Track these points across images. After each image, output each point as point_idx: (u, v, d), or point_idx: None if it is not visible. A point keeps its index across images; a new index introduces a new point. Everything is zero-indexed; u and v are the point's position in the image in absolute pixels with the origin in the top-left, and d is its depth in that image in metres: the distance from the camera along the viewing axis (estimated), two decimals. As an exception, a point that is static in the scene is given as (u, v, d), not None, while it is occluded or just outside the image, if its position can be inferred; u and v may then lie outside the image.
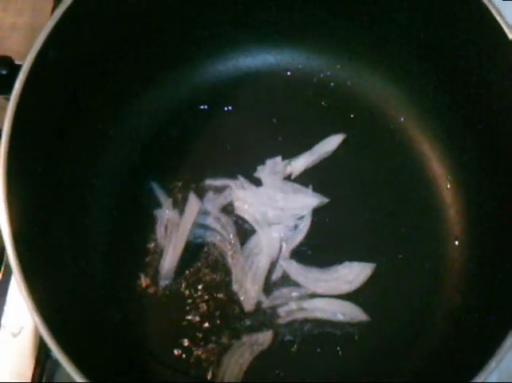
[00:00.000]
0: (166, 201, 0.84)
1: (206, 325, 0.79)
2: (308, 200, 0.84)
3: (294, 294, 0.80)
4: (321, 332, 0.79)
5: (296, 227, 0.83)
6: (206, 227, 0.83)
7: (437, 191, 0.85)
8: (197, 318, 0.79)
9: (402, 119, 0.88)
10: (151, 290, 0.81)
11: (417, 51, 0.83)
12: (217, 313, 0.79)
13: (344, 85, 0.90)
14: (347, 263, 0.81)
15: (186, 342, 0.78)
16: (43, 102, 0.71)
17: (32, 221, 0.68)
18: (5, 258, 0.81)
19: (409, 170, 0.86)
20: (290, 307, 0.79)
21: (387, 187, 0.85)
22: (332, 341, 0.78)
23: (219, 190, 0.85)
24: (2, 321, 0.80)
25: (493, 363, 0.61)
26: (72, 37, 0.73)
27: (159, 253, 0.82)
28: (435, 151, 0.86)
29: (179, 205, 0.84)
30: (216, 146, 0.88)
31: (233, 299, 0.80)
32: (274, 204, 0.84)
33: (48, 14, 0.93)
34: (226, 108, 0.90)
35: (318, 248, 0.83)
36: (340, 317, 0.79)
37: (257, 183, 0.86)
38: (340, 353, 0.78)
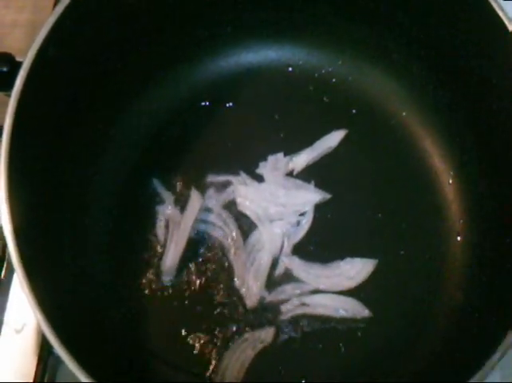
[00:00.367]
0: (168, 198, 0.84)
1: (208, 322, 0.79)
2: (310, 196, 0.84)
3: (296, 290, 0.80)
4: (323, 328, 0.79)
5: (298, 223, 0.83)
6: (208, 224, 0.83)
7: (439, 186, 0.85)
8: (198, 315, 0.79)
9: (403, 114, 0.88)
10: (152, 288, 0.81)
11: (418, 47, 0.83)
12: (219, 310, 0.79)
13: (346, 81, 0.90)
14: (349, 259, 0.81)
15: (187, 339, 0.78)
16: (44, 99, 0.71)
17: (33, 219, 0.68)
18: (7, 255, 0.81)
19: (411, 165, 0.86)
20: (293, 303, 0.79)
21: (389, 183, 0.85)
22: (334, 338, 0.78)
23: (221, 186, 0.85)
24: (5, 318, 0.80)
25: (494, 361, 0.61)
26: (72, 34, 0.73)
27: (161, 250, 0.82)
28: (436, 146, 0.86)
29: (181, 202, 0.84)
30: (218, 142, 0.88)
31: (235, 296, 0.80)
32: (276, 200, 0.84)
33: (49, 11, 0.93)
34: (227, 105, 0.90)
35: (320, 244, 0.83)
36: (342, 314, 0.79)
37: (259, 179, 0.86)
38: (342, 349, 0.78)
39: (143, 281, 0.81)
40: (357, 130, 0.88)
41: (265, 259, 0.81)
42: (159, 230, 0.83)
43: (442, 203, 0.84)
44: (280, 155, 0.86)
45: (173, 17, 0.84)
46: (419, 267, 0.81)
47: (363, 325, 0.78)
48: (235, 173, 0.85)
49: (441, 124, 0.85)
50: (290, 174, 0.86)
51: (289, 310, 0.79)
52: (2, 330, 0.80)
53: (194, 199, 0.83)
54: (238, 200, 0.84)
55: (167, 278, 0.81)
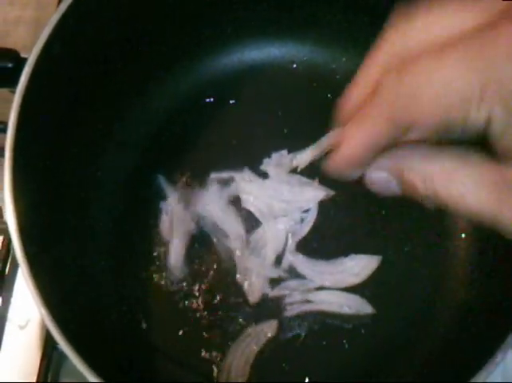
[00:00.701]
0: (172, 194, 0.84)
1: (212, 318, 0.79)
2: (314, 193, 0.84)
3: (300, 286, 0.80)
4: (327, 325, 0.78)
5: (302, 219, 0.83)
6: (211, 220, 0.83)
7: (443, 183, 0.85)
8: (202, 311, 0.79)
9: (408, 111, 0.88)
10: (155, 285, 0.81)
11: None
12: (222, 306, 0.79)
13: (350, 77, 0.89)
14: (353, 256, 0.81)
15: (191, 337, 0.78)
16: (47, 96, 0.71)
17: (36, 216, 0.68)
18: (11, 251, 0.81)
19: (415, 161, 0.86)
20: (296, 298, 0.79)
21: (393, 180, 0.85)
22: (338, 334, 0.78)
23: (225, 182, 0.85)
24: (9, 314, 0.81)
25: (496, 361, 0.60)
26: (75, 32, 0.73)
27: (164, 248, 0.82)
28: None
29: (184, 199, 0.84)
30: (221, 140, 0.88)
31: (238, 292, 0.80)
32: (280, 197, 0.84)
33: (53, 8, 0.93)
34: (230, 102, 0.90)
35: (324, 241, 0.82)
36: (346, 310, 0.79)
37: (263, 176, 0.86)
38: (346, 346, 0.78)
39: (146, 278, 0.81)
40: (361, 127, 0.87)
41: (268, 256, 0.81)
42: (163, 226, 0.83)
43: (446, 200, 0.84)
44: (284, 152, 0.86)
45: (174, 15, 0.84)
46: (424, 264, 0.81)
47: (367, 322, 0.78)
48: (239, 170, 0.85)
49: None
50: (294, 171, 0.86)
51: (292, 306, 0.79)
52: (6, 326, 0.80)
53: (197, 195, 0.83)
54: (242, 197, 0.84)
55: (174, 275, 0.81)
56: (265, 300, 0.80)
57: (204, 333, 0.78)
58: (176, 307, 0.80)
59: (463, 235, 0.82)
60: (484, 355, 0.61)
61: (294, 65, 0.91)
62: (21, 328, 0.80)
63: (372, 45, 0.90)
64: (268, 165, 0.86)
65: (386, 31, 0.45)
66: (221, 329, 0.78)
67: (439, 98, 0.38)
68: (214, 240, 0.82)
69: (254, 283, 0.80)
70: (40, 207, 0.70)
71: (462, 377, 0.61)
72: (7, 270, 0.82)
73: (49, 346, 0.78)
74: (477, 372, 0.60)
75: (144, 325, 0.79)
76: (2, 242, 0.82)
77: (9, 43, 0.80)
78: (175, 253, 0.81)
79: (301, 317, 0.79)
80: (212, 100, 0.90)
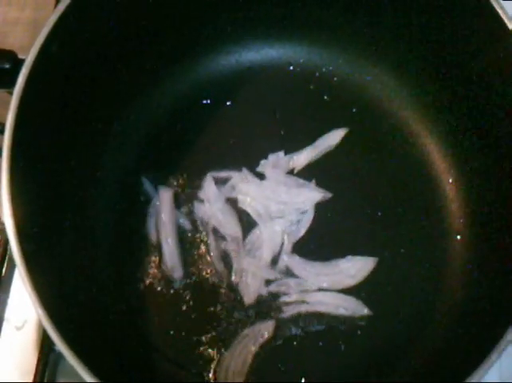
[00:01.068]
0: (155, 196, 0.85)
1: (209, 319, 0.79)
2: (311, 195, 0.84)
3: (296, 287, 0.80)
4: (324, 326, 0.79)
5: (298, 221, 0.83)
6: (208, 221, 0.83)
7: (439, 185, 0.85)
8: (199, 312, 0.79)
9: (404, 113, 0.88)
10: (152, 286, 0.81)
11: (418, 47, 0.83)
12: (219, 307, 0.79)
13: (347, 80, 0.90)
14: (349, 257, 0.81)
15: (188, 337, 0.78)
16: (45, 97, 0.72)
17: (34, 217, 0.68)
18: (8, 251, 0.81)
19: (411, 164, 0.86)
20: (292, 299, 0.79)
21: (390, 182, 0.85)
22: (334, 336, 0.78)
23: (222, 183, 0.85)
24: (6, 315, 0.81)
25: (491, 360, 0.61)
26: (73, 32, 0.73)
27: (158, 249, 0.83)
28: (437, 145, 0.86)
29: (182, 199, 0.85)
30: (219, 141, 0.88)
31: (234, 292, 0.80)
32: (277, 198, 0.84)
33: (51, 9, 0.93)
34: (228, 103, 0.90)
35: (321, 242, 0.83)
36: (342, 312, 0.79)
37: (261, 177, 0.86)
38: (342, 347, 0.78)
39: (144, 279, 0.81)
40: (358, 128, 0.88)
41: (264, 257, 0.81)
42: (152, 228, 0.84)
43: (442, 202, 0.84)
44: (281, 153, 0.87)
45: (174, 16, 0.84)
46: (419, 266, 0.81)
47: (363, 323, 0.79)
48: (236, 171, 0.86)
49: (441, 123, 0.85)
50: (291, 172, 0.86)
51: (289, 307, 0.79)
52: (3, 327, 0.80)
53: (164, 194, 0.84)
54: (239, 197, 0.84)
55: (171, 276, 0.81)
56: (261, 301, 0.80)
57: (201, 334, 0.78)
58: (174, 308, 0.80)
59: (458, 237, 0.82)
60: (480, 355, 0.61)
61: (291, 67, 0.92)
62: (18, 329, 0.80)
63: (369, 47, 0.91)
64: (265, 166, 0.86)
65: None
66: (218, 330, 0.78)
67: None
68: (211, 241, 0.82)
69: (249, 284, 0.80)
70: (37, 207, 0.70)
71: (457, 377, 0.62)
72: (4, 270, 0.82)
73: (45, 347, 0.78)
74: (472, 372, 0.60)
75: (142, 326, 0.79)
76: (-1, 243, 0.82)
77: (8, 44, 0.80)
78: (170, 254, 0.81)
79: (298, 318, 0.79)
80: (209, 101, 0.90)
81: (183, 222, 0.84)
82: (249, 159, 0.86)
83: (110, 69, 0.81)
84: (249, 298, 0.80)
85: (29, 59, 0.68)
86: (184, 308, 0.80)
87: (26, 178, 0.68)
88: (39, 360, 0.78)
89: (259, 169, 0.86)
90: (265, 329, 0.78)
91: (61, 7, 0.70)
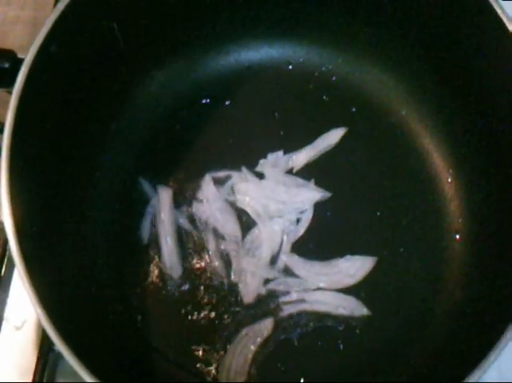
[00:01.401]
0: (154, 196, 0.85)
1: (208, 318, 0.79)
2: (310, 194, 0.84)
3: (296, 287, 0.80)
4: (323, 325, 0.79)
5: (298, 220, 0.83)
6: (207, 220, 0.83)
7: (438, 184, 0.85)
8: (199, 312, 0.79)
9: (403, 113, 0.88)
10: (153, 285, 0.81)
11: (418, 46, 0.83)
12: (219, 306, 0.79)
13: (346, 79, 0.90)
14: (348, 257, 0.81)
15: (187, 337, 0.78)
16: (45, 96, 0.72)
17: (33, 216, 0.68)
18: (7, 251, 0.81)
19: (410, 163, 0.86)
20: (291, 298, 0.80)
21: (389, 181, 0.85)
22: (333, 335, 0.78)
23: (221, 182, 0.85)
24: (5, 315, 0.81)
25: (490, 360, 0.61)
26: (74, 31, 0.73)
27: (159, 248, 0.83)
28: (436, 144, 0.86)
29: (181, 199, 0.85)
30: (218, 140, 0.88)
31: (234, 292, 0.80)
32: (276, 198, 0.84)
33: (50, 8, 0.93)
34: (227, 102, 0.90)
35: (320, 242, 0.83)
36: (341, 311, 0.79)
37: (260, 177, 0.86)
38: (341, 347, 0.78)
39: (143, 278, 0.81)
40: (357, 128, 0.88)
41: (263, 256, 0.82)
42: (150, 228, 0.84)
43: (441, 201, 0.84)
44: (280, 153, 0.87)
45: (173, 16, 0.84)
46: (418, 265, 0.81)
47: (362, 323, 0.79)
48: (235, 170, 0.86)
49: (441, 123, 0.85)
50: (290, 172, 0.86)
51: (288, 306, 0.79)
52: (2, 327, 0.80)
53: (163, 194, 0.84)
54: (238, 197, 0.84)
55: (170, 275, 0.81)
56: (260, 300, 0.80)
57: (201, 334, 0.78)
58: (173, 307, 0.80)
59: (458, 236, 0.82)
60: (479, 354, 0.61)
61: (290, 67, 0.92)
62: (17, 328, 0.80)
63: (368, 47, 0.91)
64: (264, 166, 0.86)
65: None
66: (218, 330, 0.78)
67: None
68: (210, 240, 0.82)
69: (249, 284, 0.80)
70: (37, 206, 0.70)
71: (456, 377, 0.62)
72: (3, 270, 0.82)
73: (45, 347, 0.78)
74: (471, 371, 0.60)
75: (142, 326, 0.79)
76: (-2, 242, 0.82)
77: (7, 43, 0.81)
78: (169, 254, 0.81)
79: (297, 317, 0.79)
80: (208, 101, 0.90)
81: (183, 221, 0.83)
82: (248, 159, 0.86)
83: (109, 68, 0.81)
84: (248, 297, 0.80)
85: (28, 58, 0.68)
86: (184, 308, 0.80)
87: (25, 177, 0.68)
88: (38, 360, 0.77)
89: (258, 169, 0.86)
90: (264, 329, 0.78)
91: (61, 6, 0.70)
